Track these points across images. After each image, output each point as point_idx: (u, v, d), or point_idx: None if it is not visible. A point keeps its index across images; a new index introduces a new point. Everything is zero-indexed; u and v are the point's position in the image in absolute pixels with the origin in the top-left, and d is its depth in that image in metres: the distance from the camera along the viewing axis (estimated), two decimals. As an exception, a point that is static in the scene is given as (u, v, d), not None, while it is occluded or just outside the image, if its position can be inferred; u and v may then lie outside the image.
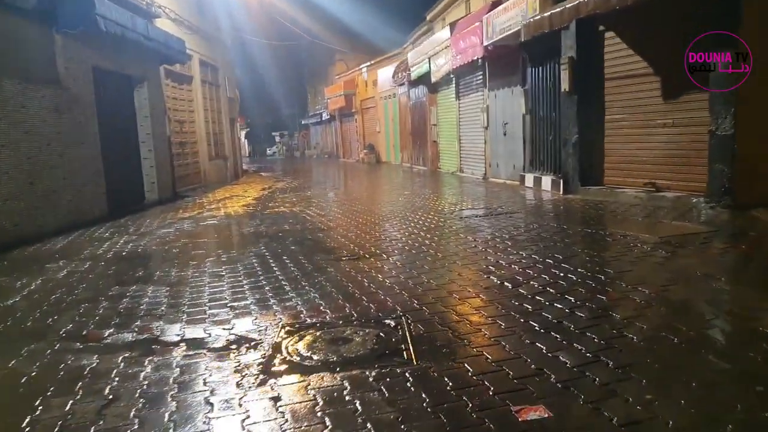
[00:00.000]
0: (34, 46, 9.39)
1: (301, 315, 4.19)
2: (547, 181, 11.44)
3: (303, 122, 51.04)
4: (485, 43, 12.57)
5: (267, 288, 5.03)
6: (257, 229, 8.62)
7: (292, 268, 5.73)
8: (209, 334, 3.90)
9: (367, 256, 6.18)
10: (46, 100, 9.39)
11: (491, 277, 4.97)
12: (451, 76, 16.71)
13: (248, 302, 4.62)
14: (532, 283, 4.66)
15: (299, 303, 4.50)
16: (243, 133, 69.11)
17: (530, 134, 12.45)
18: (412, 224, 8.22)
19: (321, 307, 4.34)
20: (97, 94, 11.15)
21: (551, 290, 4.40)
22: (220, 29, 20.92)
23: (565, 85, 9.98)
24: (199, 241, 7.91)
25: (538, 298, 4.24)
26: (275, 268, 5.77)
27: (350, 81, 32.28)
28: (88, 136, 10.67)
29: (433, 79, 17.66)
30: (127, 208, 11.89)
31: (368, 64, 29.02)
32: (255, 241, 7.56)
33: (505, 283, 4.69)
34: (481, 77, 14.96)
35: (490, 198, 11.08)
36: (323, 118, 40.74)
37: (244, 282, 5.30)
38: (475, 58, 13.39)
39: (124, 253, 7.17)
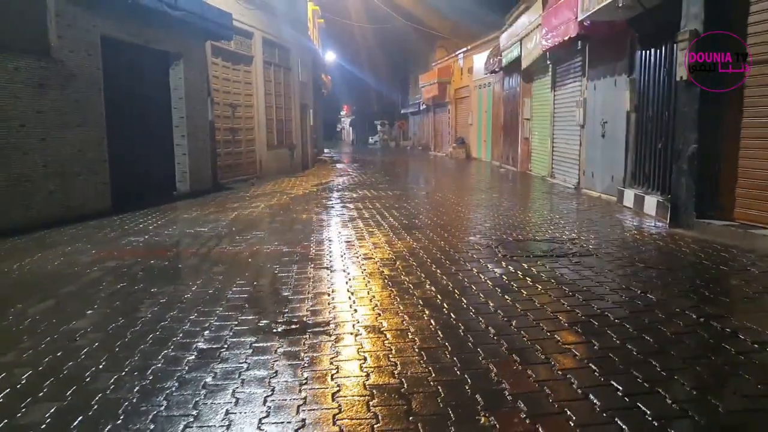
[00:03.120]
0: (11, 7, 7.89)
1: None
2: (651, 203, 8.48)
3: (402, 111, 48.85)
4: (580, 17, 9.63)
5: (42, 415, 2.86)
6: (233, 249, 6.54)
7: (161, 357, 3.46)
8: None
9: (311, 329, 3.85)
10: (22, 73, 7.88)
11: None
12: (548, 62, 13.84)
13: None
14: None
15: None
16: (348, 121, 68.96)
17: (634, 138, 9.47)
18: (438, 261, 5.76)
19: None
20: (109, 70, 9.58)
21: None
22: (295, 5, 19.13)
23: (682, 72, 6.90)
24: (137, 263, 5.88)
25: None
26: (133, 357, 3.60)
27: (445, 68, 29.59)
28: (89, 117, 9.12)
29: (524, 65, 14.84)
30: (147, 200, 10.31)
31: (465, 49, 26.18)
32: (203, 272, 5.49)
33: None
34: (579, 64, 12.01)
35: (571, 221, 8.30)
36: (420, 108, 38.34)
37: (54, 381, 3.19)
38: (568, 36, 10.49)
39: (16, 275, 5.35)
